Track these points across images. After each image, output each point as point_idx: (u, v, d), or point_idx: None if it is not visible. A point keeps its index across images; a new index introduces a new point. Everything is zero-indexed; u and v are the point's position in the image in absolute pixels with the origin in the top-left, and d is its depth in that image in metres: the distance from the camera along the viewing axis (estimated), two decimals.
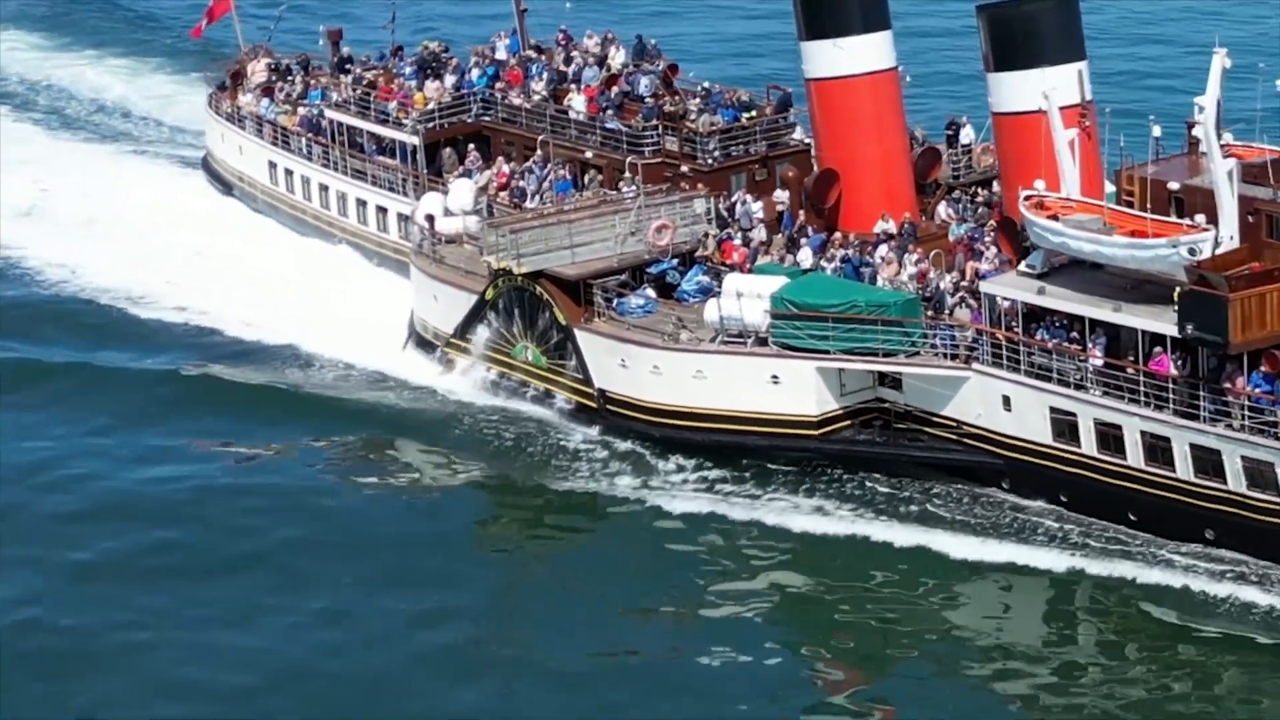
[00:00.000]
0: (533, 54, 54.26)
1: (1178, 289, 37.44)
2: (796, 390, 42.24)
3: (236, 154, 59.62)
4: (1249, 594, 37.25)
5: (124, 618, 37.39)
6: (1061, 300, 39.81)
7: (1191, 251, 37.46)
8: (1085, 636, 37.25)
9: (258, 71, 60.38)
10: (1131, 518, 39.52)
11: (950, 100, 53.24)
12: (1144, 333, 38.49)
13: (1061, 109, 41.46)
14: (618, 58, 53.19)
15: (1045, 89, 40.59)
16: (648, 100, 49.97)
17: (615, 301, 44.68)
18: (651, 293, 45.01)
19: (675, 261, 45.51)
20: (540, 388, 45.69)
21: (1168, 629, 36.77)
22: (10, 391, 47.73)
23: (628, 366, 43.75)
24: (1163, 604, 37.38)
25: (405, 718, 34.53)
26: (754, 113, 48.88)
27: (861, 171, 45.70)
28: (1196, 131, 39.06)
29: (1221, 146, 41.28)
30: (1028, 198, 40.77)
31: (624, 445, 43.91)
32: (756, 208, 46.85)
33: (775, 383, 42.36)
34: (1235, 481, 37.75)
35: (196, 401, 46.58)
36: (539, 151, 50.02)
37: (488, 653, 36.35)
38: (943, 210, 45.86)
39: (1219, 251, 38.00)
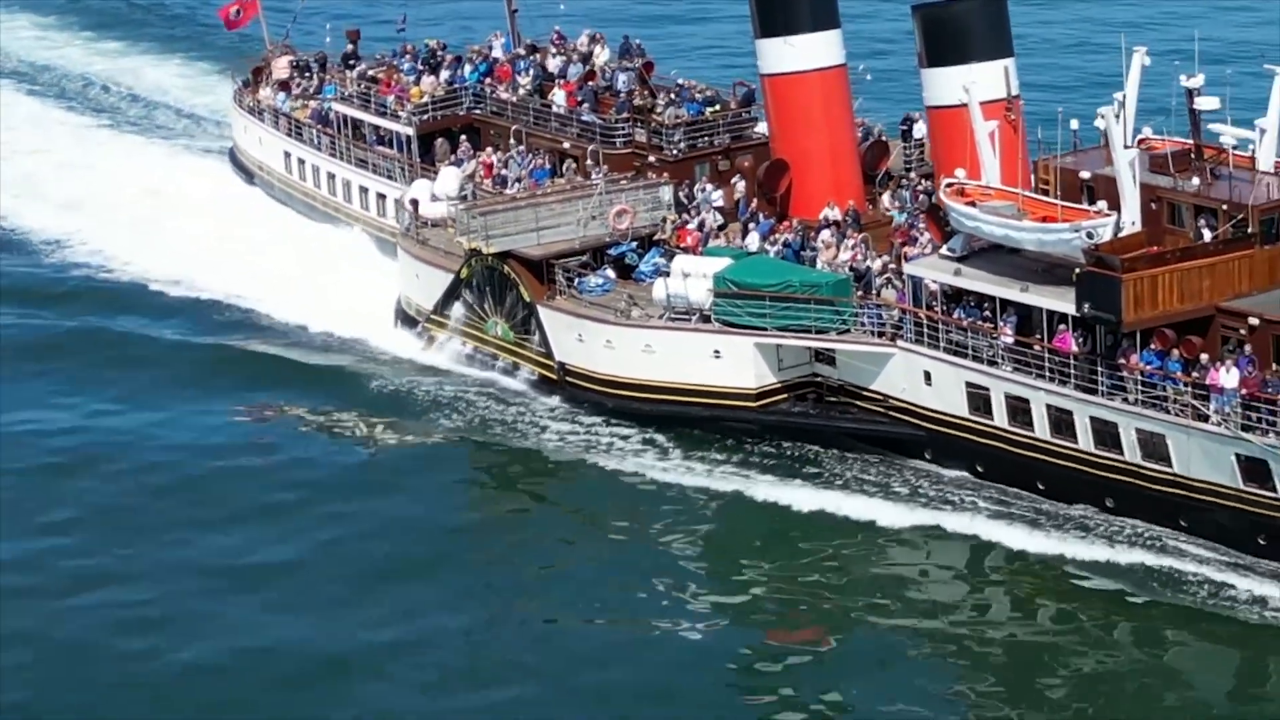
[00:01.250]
0: (521, 52, 56.15)
1: (1077, 270, 38.80)
2: (736, 364, 43.72)
3: (257, 145, 61.86)
4: (1144, 557, 38.34)
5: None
6: (975, 281, 41.12)
7: (1090, 235, 38.67)
8: (996, 597, 38.32)
9: (280, 68, 62.52)
10: (1040, 486, 40.74)
11: (911, 96, 54.29)
12: (1048, 312, 39.75)
13: (988, 103, 42.91)
14: (602, 56, 54.98)
15: (967, 83, 41.94)
16: (622, 95, 51.77)
17: (576, 280, 46.34)
18: (611, 273, 46.60)
19: (635, 244, 47.07)
20: (508, 360, 47.42)
21: (1070, 589, 37.82)
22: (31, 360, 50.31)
23: (584, 341, 45.39)
24: (1066, 567, 38.46)
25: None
26: (718, 107, 50.55)
27: (810, 162, 47.13)
28: (1098, 123, 40.26)
29: (1140, 140, 42.82)
30: (949, 185, 42.11)
31: (582, 415, 45.51)
32: (716, 196, 48.39)
33: (717, 357, 43.84)
34: (1131, 452, 38.91)
35: (186, 370, 48.70)
36: (512, 140, 51.94)
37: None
38: (886, 199, 47.22)
39: (1120, 236, 39.33)
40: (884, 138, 49.70)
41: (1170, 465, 38.37)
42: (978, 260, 41.59)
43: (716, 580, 39.17)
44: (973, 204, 41.28)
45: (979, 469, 41.72)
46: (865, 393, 43.21)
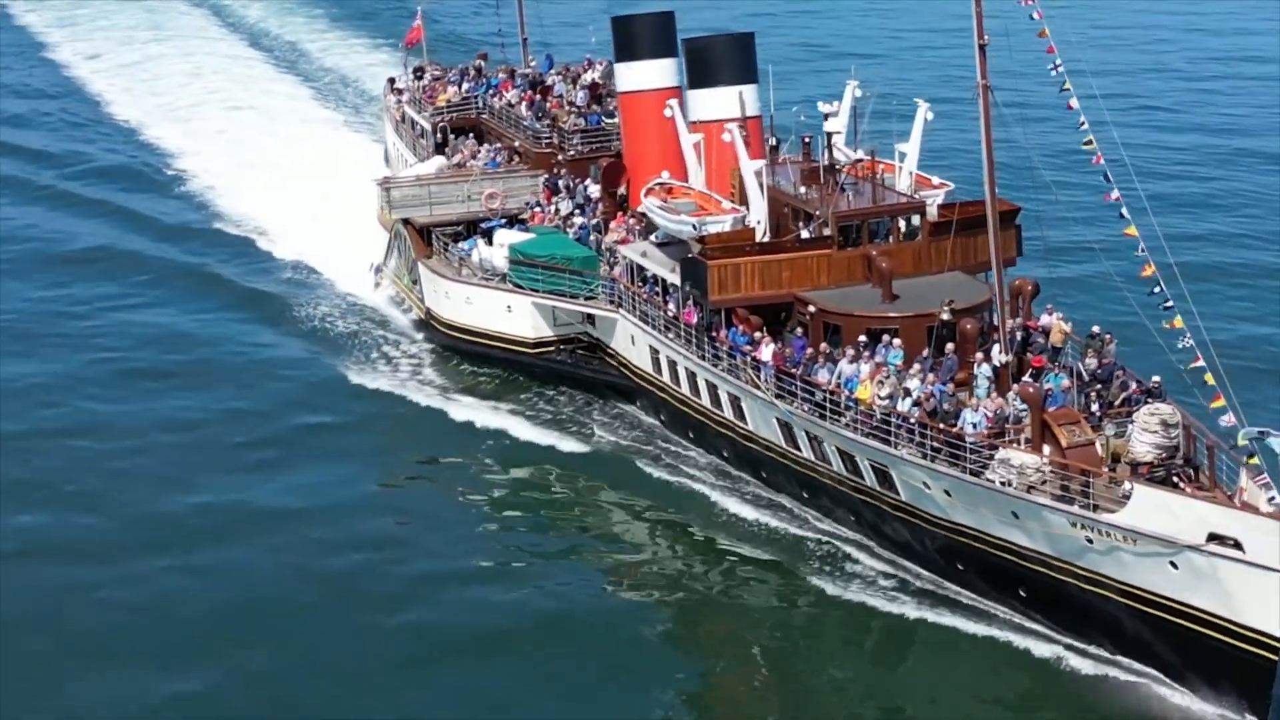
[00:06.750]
0: (526, 70, 61.99)
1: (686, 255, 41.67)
2: (520, 318, 48.31)
3: (386, 136, 70.09)
4: (731, 504, 40.68)
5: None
6: (650, 262, 44.38)
7: (694, 227, 41.47)
8: (645, 523, 40.93)
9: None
10: (690, 435, 43.69)
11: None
12: (681, 289, 42.72)
13: (724, 121, 45.73)
14: (591, 76, 59.90)
15: (671, 102, 45.09)
16: (567, 106, 56.87)
17: (449, 245, 52.03)
18: (481, 242, 51.92)
19: (504, 220, 52.27)
20: (408, 303, 53.67)
21: (689, 524, 40.46)
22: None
23: (437, 292, 51.04)
24: (680, 502, 41.15)
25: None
26: (615, 119, 54.86)
27: (644, 164, 50.36)
28: (724, 137, 42.61)
29: (861, 160, 44.62)
30: (656, 184, 45.41)
31: (435, 350, 51.29)
32: (594, 190, 52.86)
33: (509, 311, 48.59)
34: (728, 411, 41.47)
35: (170, 281, 57.07)
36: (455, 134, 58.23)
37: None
38: None
39: (739, 231, 41.82)
40: None
41: (748, 424, 40.79)
42: (670, 246, 44.81)
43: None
44: (665, 200, 44.61)
45: (663, 418, 44.93)
46: (608, 349, 47.03)
